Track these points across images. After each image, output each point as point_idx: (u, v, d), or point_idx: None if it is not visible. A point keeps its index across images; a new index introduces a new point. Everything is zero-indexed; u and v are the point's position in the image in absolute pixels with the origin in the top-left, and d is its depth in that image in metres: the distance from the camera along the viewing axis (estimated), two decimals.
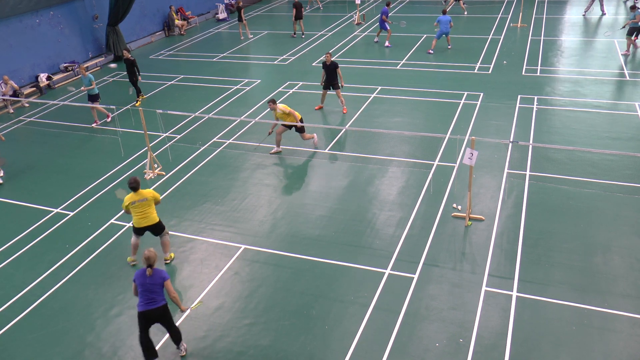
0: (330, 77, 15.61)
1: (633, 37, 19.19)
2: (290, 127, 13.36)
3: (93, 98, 16.13)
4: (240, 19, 25.31)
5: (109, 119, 16.47)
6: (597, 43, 21.07)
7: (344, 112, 15.79)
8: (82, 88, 16.15)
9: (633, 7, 18.97)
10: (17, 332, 8.48)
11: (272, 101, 13.03)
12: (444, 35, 21.34)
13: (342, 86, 15.85)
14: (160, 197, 9.52)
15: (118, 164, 13.61)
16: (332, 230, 10.41)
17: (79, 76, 21.43)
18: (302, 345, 7.82)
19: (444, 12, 21.23)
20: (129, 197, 9.18)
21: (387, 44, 22.51)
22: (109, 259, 10.06)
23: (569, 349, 7.45)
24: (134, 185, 9.10)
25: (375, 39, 23.14)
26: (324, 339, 7.91)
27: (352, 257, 9.57)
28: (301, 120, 13.15)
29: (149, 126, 13.75)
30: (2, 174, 13.33)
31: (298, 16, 24.57)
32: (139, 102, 17.88)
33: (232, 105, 17.14)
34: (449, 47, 21.59)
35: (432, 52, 21.11)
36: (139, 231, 9.44)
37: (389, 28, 22.19)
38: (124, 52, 17.64)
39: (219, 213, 11.23)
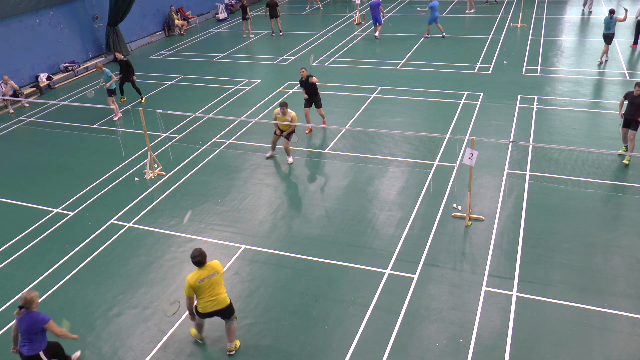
0: (311, 93, 14.30)
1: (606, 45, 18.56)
2: (282, 132, 13.01)
3: (110, 92, 16.42)
4: (244, 17, 25.36)
5: (116, 118, 16.57)
6: (597, 43, 21.05)
7: (324, 124, 14.88)
8: (106, 85, 16.32)
9: (612, 11, 18.07)
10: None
11: (286, 104, 12.47)
12: (434, 22, 22.65)
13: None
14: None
15: (118, 164, 13.61)
16: (332, 230, 10.41)
17: (80, 76, 21.47)
18: (302, 345, 7.82)
19: None
20: (194, 276, 7.07)
21: (377, 34, 23.27)
22: (109, 259, 10.06)
23: (569, 349, 7.45)
24: (199, 259, 7.09)
25: (376, 35, 23.33)
26: (324, 339, 7.91)
27: (352, 257, 9.57)
28: (294, 129, 12.93)
29: (149, 126, 13.75)
30: None
31: (273, 15, 24.84)
32: (143, 99, 18.01)
33: (232, 105, 17.14)
34: (444, 34, 22.87)
35: (428, 35, 22.95)
36: (203, 316, 7.47)
37: (382, 21, 23.10)
38: (116, 54, 17.71)
39: (219, 213, 11.23)
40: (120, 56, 17.51)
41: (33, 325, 6.74)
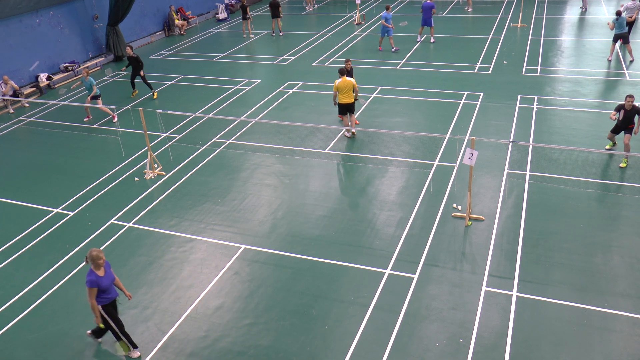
0: None
1: (617, 43, 18.66)
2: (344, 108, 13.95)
3: (96, 97, 16.22)
4: (244, 17, 25.39)
5: (115, 120, 16.39)
6: (597, 43, 21.07)
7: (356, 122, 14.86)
8: (91, 94, 16.08)
9: (618, 13, 18.29)
10: (17, 332, 8.48)
11: (341, 72, 13.71)
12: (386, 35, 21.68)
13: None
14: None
15: (118, 164, 13.61)
16: (332, 230, 10.41)
17: (80, 76, 21.43)
18: (302, 345, 7.82)
19: (387, 8, 21.35)
20: None
21: (432, 39, 22.62)
22: (109, 259, 10.02)
23: (569, 349, 7.45)
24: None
25: (419, 39, 22.70)
26: (324, 339, 7.91)
27: (352, 257, 9.57)
28: (352, 104, 13.89)
29: (149, 126, 13.75)
30: None
31: (274, 15, 24.84)
32: (155, 94, 18.22)
33: (232, 105, 17.13)
34: (381, 48, 22.02)
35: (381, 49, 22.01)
36: None
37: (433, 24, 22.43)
38: (127, 48, 17.87)
39: (219, 213, 11.23)
40: (130, 52, 17.67)
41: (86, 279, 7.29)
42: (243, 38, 25.60)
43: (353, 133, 14.20)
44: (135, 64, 17.70)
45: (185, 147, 14.22)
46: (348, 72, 14.59)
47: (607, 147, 12.64)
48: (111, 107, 16.13)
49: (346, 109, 14.05)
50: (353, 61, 20.53)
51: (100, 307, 7.39)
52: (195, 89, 18.93)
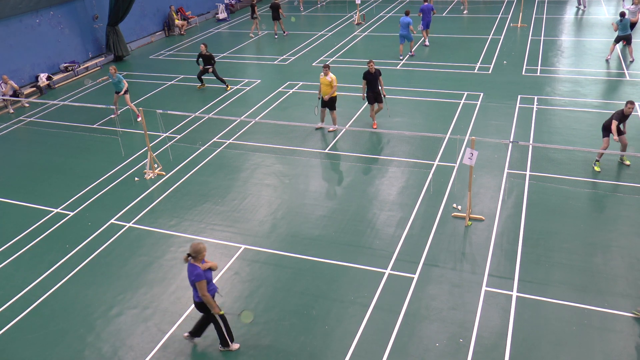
0: (374, 87, 14.13)
1: (619, 44, 18.73)
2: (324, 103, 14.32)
3: (125, 92, 16.12)
4: (252, 16, 25.39)
5: (140, 119, 16.24)
6: (597, 43, 21.07)
7: (374, 127, 14.60)
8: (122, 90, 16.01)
9: (622, 14, 18.35)
10: (17, 332, 8.48)
11: (327, 67, 14.08)
12: (406, 41, 20.65)
13: (384, 96, 14.48)
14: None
15: (118, 164, 13.61)
16: (332, 230, 10.41)
17: (80, 76, 21.45)
18: (302, 345, 7.82)
19: (407, 13, 20.42)
20: None
21: (426, 42, 22.28)
22: (109, 259, 10.06)
23: (569, 349, 7.45)
24: None
25: (426, 43, 22.17)
26: (324, 339, 7.91)
27: (352, 257, 9.57)
28: (334, 99, 14.19)
29: (149, 126, 13.75)
30: None
31: (274, 17, 24.81)
32: (228, 87, 18.58)
33: (232, 105, 17.13)
34: (411, 53, 20.94)
35: (401, 57, 20.75)
36: None
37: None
38: (202, 46, 18.51)
39: (219, 213, 11.23)
40: (203, 50, 18.33)
41: (190, 276, 7.15)
42: (246, 37, 25.56)
43: (332, 130, 14.66)
44: (208, 61, 18.21)
45: (185, 147, 14.22)
46: (372, 74, 13.99)
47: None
48: (111, 107, 16.13)
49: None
50: (353, 61, 20.61)
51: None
52: (195, 89, 18.93)
